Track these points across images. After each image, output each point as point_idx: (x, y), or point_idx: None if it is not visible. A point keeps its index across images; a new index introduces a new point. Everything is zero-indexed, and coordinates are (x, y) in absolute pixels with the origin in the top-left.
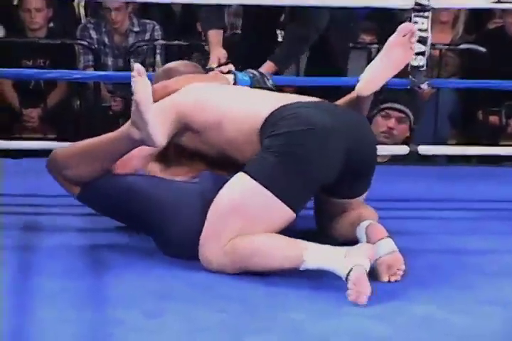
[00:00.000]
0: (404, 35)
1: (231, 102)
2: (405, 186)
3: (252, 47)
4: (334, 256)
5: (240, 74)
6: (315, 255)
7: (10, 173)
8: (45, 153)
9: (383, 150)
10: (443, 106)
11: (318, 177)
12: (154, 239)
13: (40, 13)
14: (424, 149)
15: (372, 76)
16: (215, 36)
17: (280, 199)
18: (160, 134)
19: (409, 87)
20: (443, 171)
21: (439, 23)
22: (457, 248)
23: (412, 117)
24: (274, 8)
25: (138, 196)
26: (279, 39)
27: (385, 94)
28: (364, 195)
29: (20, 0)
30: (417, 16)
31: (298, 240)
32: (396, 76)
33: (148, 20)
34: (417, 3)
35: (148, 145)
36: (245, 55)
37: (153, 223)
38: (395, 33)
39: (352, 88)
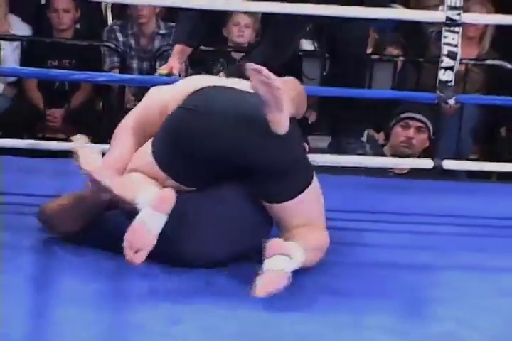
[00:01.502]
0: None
1: None
2: (431, 201)
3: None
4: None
5: None
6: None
7: (33, 173)
8: (66, 153)
9: (408, 163)
10: (466, 121)
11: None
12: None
13: (67, 14)
14: (448, 164)
15: None
16: (177, 50)
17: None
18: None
19: (436, 102)
20: (465, 186)
21: (466, 38)
22: (475, 264)
23: (431, 127)
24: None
25: None
26: (309, 47)
27: (403, 105)
28: (317, 220)
29: (48, 0)
30: (448, 31)
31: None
32: (423, 90)
33: (174, 24)
34: (448, 18)
35: None
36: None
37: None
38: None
39: (377, 100)
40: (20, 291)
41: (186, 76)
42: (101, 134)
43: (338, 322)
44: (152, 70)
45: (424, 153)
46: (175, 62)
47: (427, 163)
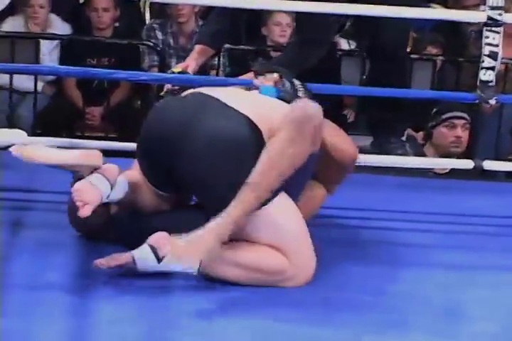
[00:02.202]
0: None
1: None
2: (469, 201)
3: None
4: None
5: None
6: None
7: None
8: (105, 152)
9: (449, 163)
10: (506, 120)
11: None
12: None
13: (107, 12)
14: (488, 165)
15: None
16: (197, 50)
17: None
18: None
19: (477, 102)
20: (504, 187)
21: (506, 36)
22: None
23: (470, 121)
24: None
25: None
26: (345, 47)
27: (441, 104)
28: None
29: None
30: (489, 31)
31: None
32: (463, 89)
33: None
34: (489, 18)
35: None
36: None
37: None
38: None
39: (416, 100)
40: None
41: (225, 75)
42: (139, 132)
43: (380, 322)
44: None
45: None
46: (192, 61)
47: (468, 164)
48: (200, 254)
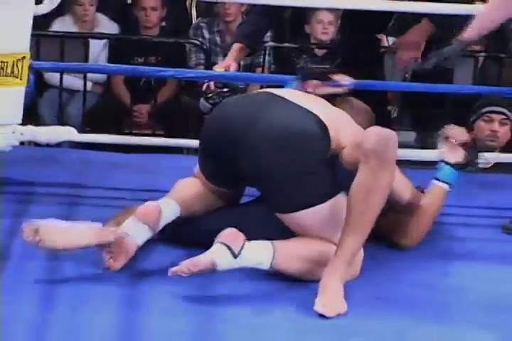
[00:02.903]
0: None
1: None
2: None
3: (350, 51)
4: None
5: None
6: None
7: (119, 168)
8: (153, 149)
9: (491, 157)
10: None
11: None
12: None
13: (154, 12)
14: None
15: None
16: (236, 49)
17: None
18: None
19: None
20: None
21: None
22: None
23: (509, 116)
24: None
25: None
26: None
27: (483, 99)
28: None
29: None
30: None
31: None
32: (505, 85)
33: None
34: None
35: None
36: (344, 59)
37: None
38: None
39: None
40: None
41: (270, 72)
42: (187, 129)
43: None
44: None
45: (507, 148)
46: (231, 60)
47: (508, 157)
48: (341, 301)
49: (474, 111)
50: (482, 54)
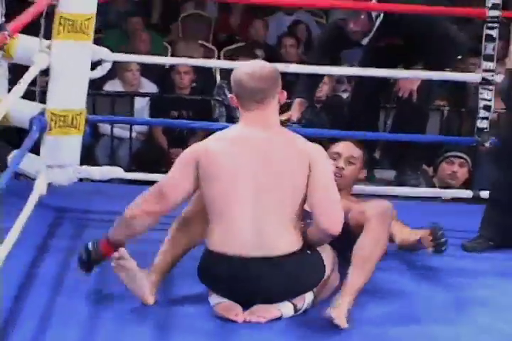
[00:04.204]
0: None
1: None
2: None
3: (357, 114)
4: None
5: None
6: None
7: None
8: None
9: (452, 193)
10: None
11: None
12: None
13: (187, 75)
14: (484, 194)
15: None
16: (298, 103)
17: None
18: None
19: (474, 145)
20: None
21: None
22: None
23: (470, 162)
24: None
25: None
26: None
27: (446, 145)
28: None
29: (172, 65)
30: (483, 89)
31: None
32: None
33: None
34: (483, 79)
35: None
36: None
37: None
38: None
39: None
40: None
41: None
42: None
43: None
44: None
45: (465, 184)
46: (295, 112)
47: (468, 193)
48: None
49: (440, 155)
50: (446, 108)
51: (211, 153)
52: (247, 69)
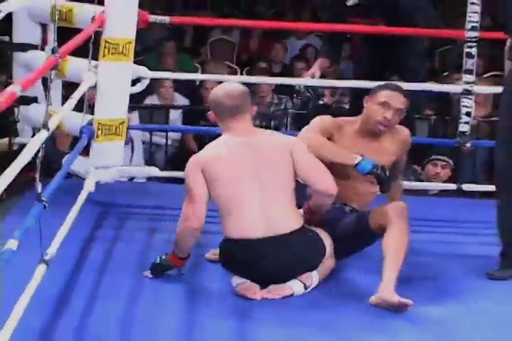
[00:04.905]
0: None
1: None
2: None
3: None
4: None
5: (365, 160)
6: None
7: None
8: None
9: (438, 186)
10: (479, 158)
11: None
12: None
13: None
14: (466, 187)
15: None
16: (320, 61)
17: None
18: None
19: (456, 145)
20: (479, 202)
21: (476, 102)
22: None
23: (452, 164)
24: None
25: None
26: None
27: (432, 149)
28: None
29: (201, 81)
30: (465, 98)
31: None
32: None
33: (283, 95)
34: (464, 89)
35: None
36: None
37: None
38: None
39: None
40: None
41: None
42: None
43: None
44: (268, 126)
45: (450, 180)
46: (315, 69)
47: (452, 186)
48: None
49: (427, 157)
50: (433, 117)
51: (211, 159)
52: (223, 90)
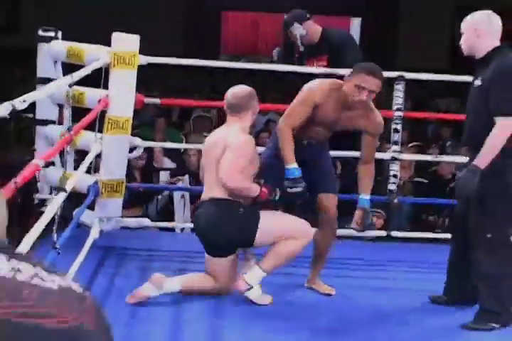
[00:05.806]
0: None
1: None
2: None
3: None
4: None
5: (296, 170)
6: None
7: None
8: None
9: (373, 233)
10: (404, 211)
11: None
12: None
13: (194, 156)
14: (394, 233)
15: None
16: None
17: None
18: None
19: (386, 201)
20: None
21: (402, 166)
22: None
23: (384, 214)
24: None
25: None
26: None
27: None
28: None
29: (185, 149)
30: (392, 163)
31: None
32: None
33: None
34: (392, 157)
35: None
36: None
37: None
38: None
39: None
40: None
41: None
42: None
43: None
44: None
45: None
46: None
47: (383, 233)
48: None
49: None
50: None
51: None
52: (231, 90)
